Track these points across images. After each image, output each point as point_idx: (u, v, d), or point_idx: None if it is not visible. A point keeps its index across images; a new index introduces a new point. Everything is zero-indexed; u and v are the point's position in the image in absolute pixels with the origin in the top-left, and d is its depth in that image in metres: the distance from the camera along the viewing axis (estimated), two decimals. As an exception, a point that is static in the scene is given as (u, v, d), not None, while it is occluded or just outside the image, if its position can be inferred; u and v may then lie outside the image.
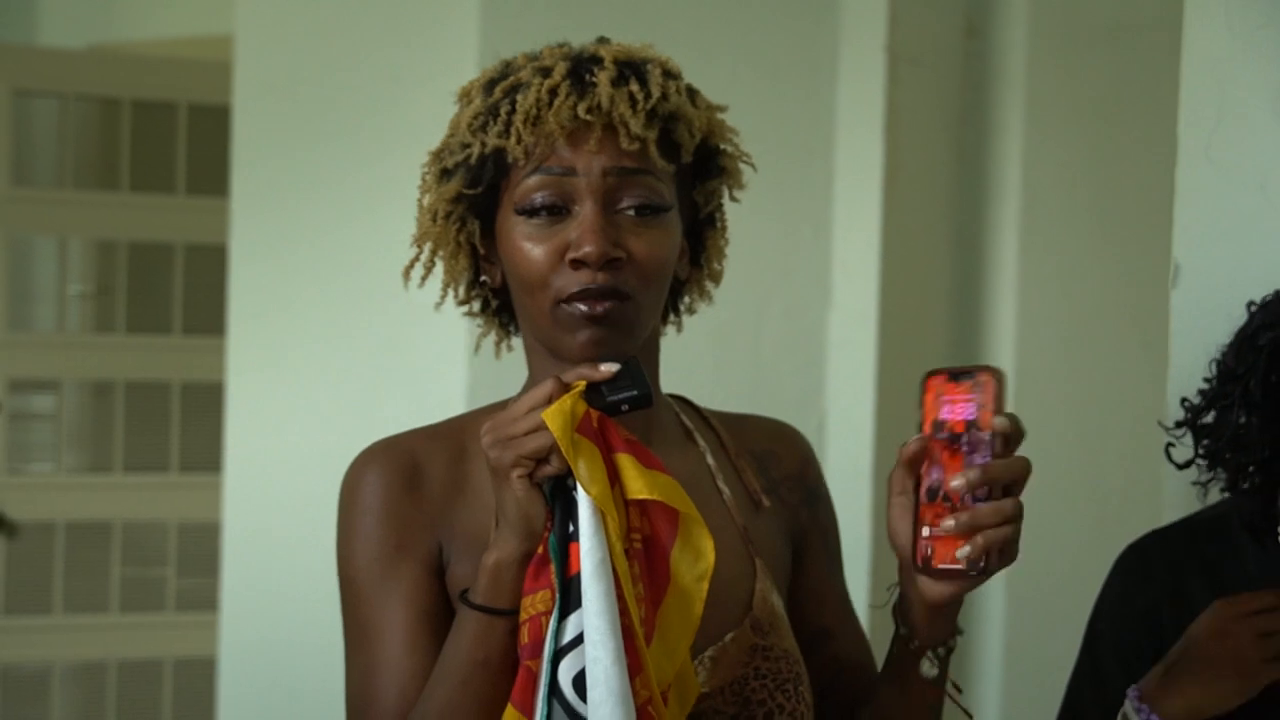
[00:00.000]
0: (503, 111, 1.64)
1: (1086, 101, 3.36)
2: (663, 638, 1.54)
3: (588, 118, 1.62)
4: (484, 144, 1.65)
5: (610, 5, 3.19)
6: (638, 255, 1.63)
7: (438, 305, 1.78)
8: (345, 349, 3.47)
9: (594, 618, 1.50)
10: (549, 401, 1.54)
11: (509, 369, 3.20)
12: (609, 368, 1.56)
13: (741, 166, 1.74)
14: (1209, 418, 1.85)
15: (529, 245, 1.64)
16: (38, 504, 5.00)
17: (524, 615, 1.54)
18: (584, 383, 1.55)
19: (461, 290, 1.76)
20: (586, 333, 1.63)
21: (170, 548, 5.07)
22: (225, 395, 3.71)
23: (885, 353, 3.25)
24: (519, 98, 1.64)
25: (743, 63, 3.20)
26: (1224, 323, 1.92)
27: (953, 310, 3.35)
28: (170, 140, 5.02)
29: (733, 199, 1.73)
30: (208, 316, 4.57)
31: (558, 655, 1.52)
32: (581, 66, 1.66)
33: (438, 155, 1.72)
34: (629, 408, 1.55)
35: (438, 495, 1.69)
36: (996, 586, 3.33)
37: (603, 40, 1.71)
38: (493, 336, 1.80)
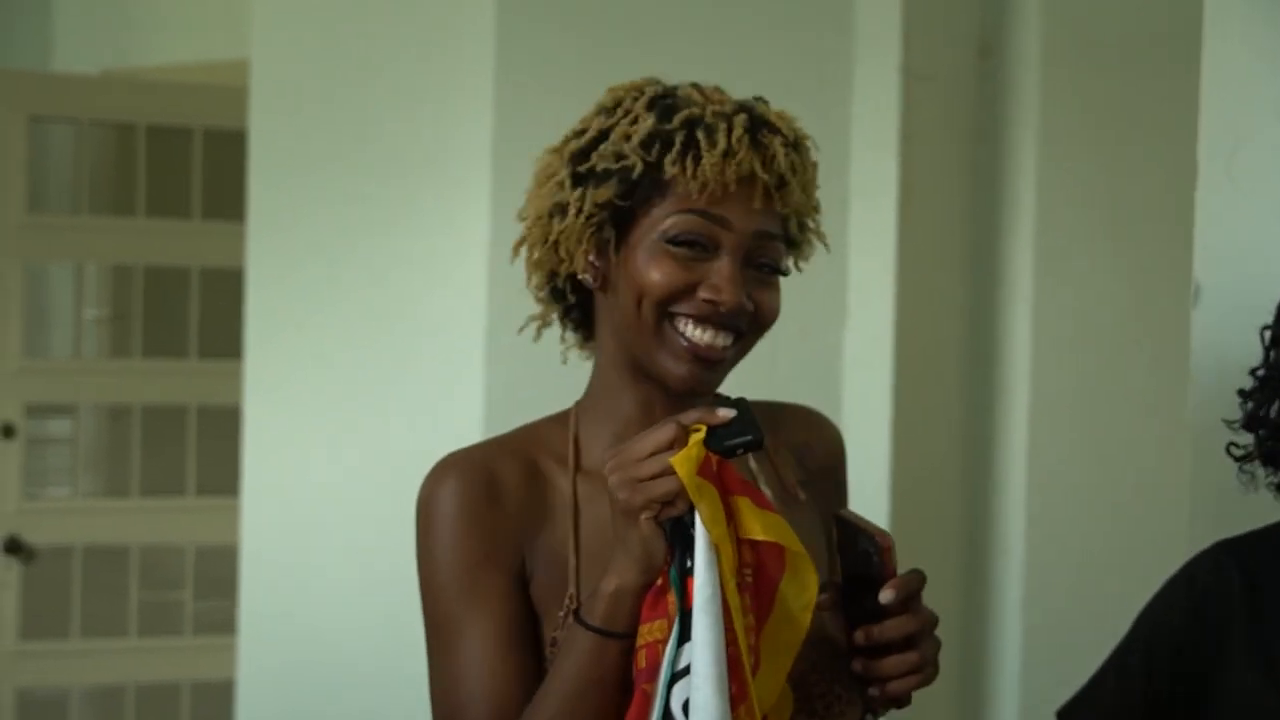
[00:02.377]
0: (678, 141, 1.71)
1: (1101, 119, 3.36)
2: (768, 662, 1.65)
3: (762, 176, 1.71)
4: (648, 164, 1.72)
5: (625, 27, 3.19)
6: (762, 308, 1.73)
7: (529, 285, 1.82)
8: (361, 370, 3.47)
9: (700, 649, 1.60)
10: (671, 444, 1.61)
11: (524, 388, 3.20)
12: (726, 413, 1.62)
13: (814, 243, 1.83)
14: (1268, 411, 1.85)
15: (665, 267, 1.71)
16: (55, 528, 5.01)
17: (642, 641, 1.63)
18: (704, 428, 1.62)
19: (542, 277, 1.81)
20: (689, 367, 1.72)
21: (188, 571, 5.07)
22: (242, 418, 3.72)
23: (901, 372, 3.24)
24: (700, 135, 1.71)
25: (757, 82, 3.19)
26: (1245, 342, 1.92)
27: (968, 329, 3.35)
28: (186, 165, 5.03)
29: (796, 268, 1.80)
30: (224, 340, 4.58)
31: (672, 680, 1.61)
32: (757, 122, 1.73)
33: (580, 154, 1.76)
34: (743, 451, 1.63)
35: (516, 509, 1.75)
36: (1013, 606, 3.32)
37: (760, 99, 1.78)
38: (537, 323, 1.86)
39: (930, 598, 3.23)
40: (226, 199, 4.67)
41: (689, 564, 1.61)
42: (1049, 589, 3.35)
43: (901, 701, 1.68)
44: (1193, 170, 2.13)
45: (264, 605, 3.67)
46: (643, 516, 1.61)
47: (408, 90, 3.37)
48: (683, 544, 1.62)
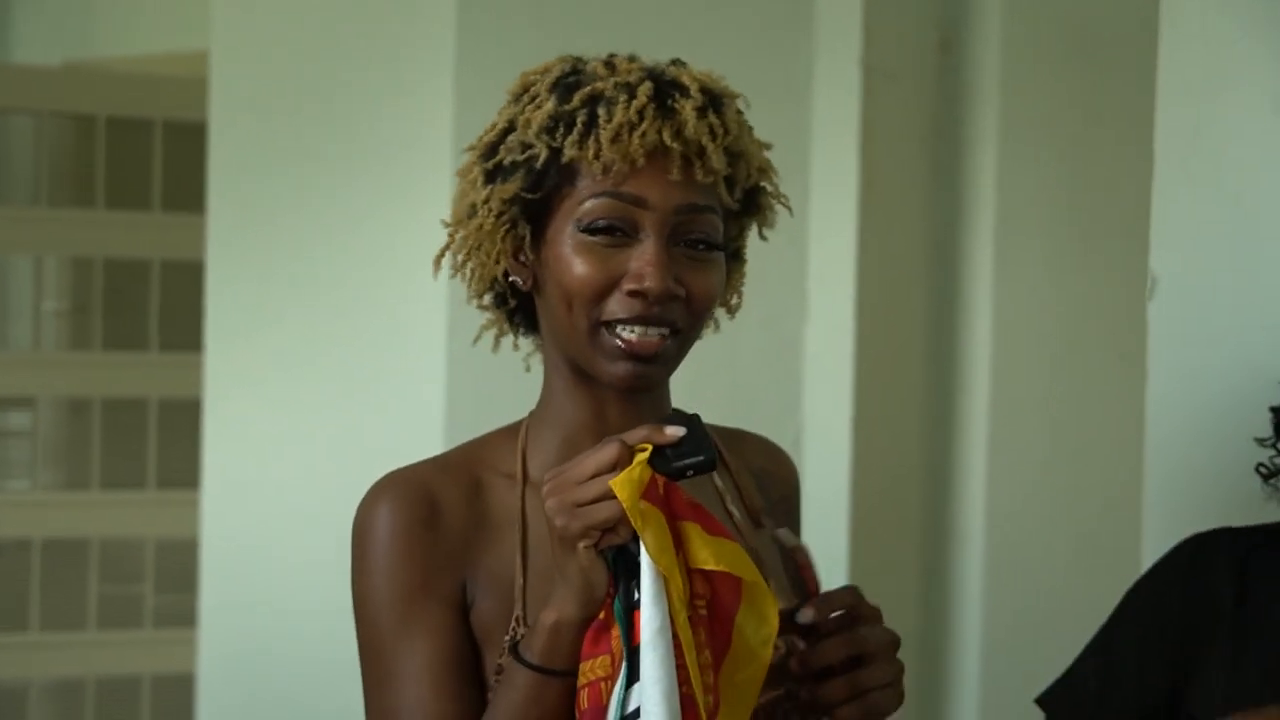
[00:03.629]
0: (579, 121, 1.60)
1: (1061, 114, 3.37)
2: (728, 702, 1.52)
3: (673, 145, 1.59)
4: (553, 150, 1.61)
5: (587, 24, 3.19)
6: (694, 292, 1.61)
7: (470, 298, 1.72)
8: (323, 365, 3.47)
9: (650, 688, 1.48)
10: (614, 465, 1.50)
11: (487, 382, 3.20)
12: (675, 431, 1.51)
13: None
14: None
15: (585, 263, 1.60)
16: (14, 522, 4.99)
17: (584, 680, 1.52)
18: (649, 447, 1.51)
19: (480, 284, 1.70)
20: (625, 365, 1.61)
21: (148, 564, 5.05)
22: (203, 412, 3.71)
23: (862, 365, 3.25)
24: (601, 111, 1.59)
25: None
26: (1201, 335, 1.93)
27: (929, 322, 3.36)
28: (146, 157, 5.01)
29: (761, 237, 1.71)
30: (184, 333, 4.56)
31: None
32: (665, 89, 1.62)
33: (489, 148, 1.66)
34: (693, 474, 1.51)
35: (458, 531, 1.63)
36: (972, 600, 3.33)
37: (678, 62, 1.67)
38: (493, 331, 1.75)
39: (890, 592, 3.24)
40: (187, 191, 4.65)
41: (636, 596, 1.49)
42: (1009, 582, 3.36)
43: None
44: (1151, 165, 2.14)
45: (224, 598, 3.66)
46: (581, 545, 1.50)
47: (368, 83, 3.37)
48: (627, 574, 1.50)
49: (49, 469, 5.11)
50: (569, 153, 1.59)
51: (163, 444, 5.00)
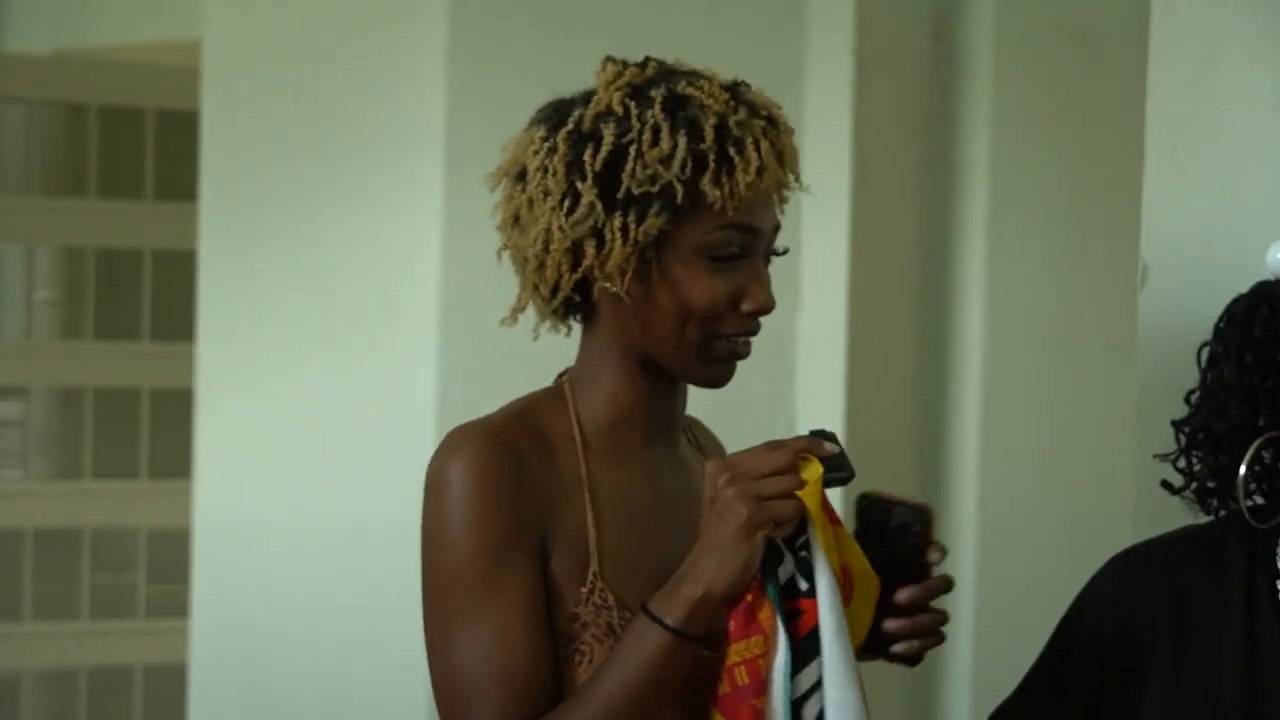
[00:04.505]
0: (711, 161, 1.70)
1: (1054, 104, 3.38)
2: None
3: (785, 180, 1.74)
4: (686, 184, 1.70)
5: (578, 12, 3.19)
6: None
7: (542, 299, 1.76)
8: (315, 354, 3.47)
9: (842, 663, 1.65)
10: (788, 468, 1.64)
11: (478, 371, 3.20)
12: (832, 447, 1.67)
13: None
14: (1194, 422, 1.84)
15: (709, 287, 1.72)
16: (6, 511, 4.99)
17: (738, 657, 1.65)
18: (815, 460, 1.67)
19: (562, 292, 1.77)
20: (726, 368, 1.75)
21: (140, 554, 5.06)
22: (195, 401, 3.71)
23: (855, 354, 3.26)
24: (732, 150, 1.69)
25: (709, 65, 3.21)
26: (1192, 325, 1.93)
27: (921, 312, 3.37)
28: (138, 146, 5.02)
29: None
30: (177, 322, 4.57)
31: (798, 702, 1.65)
32: (763, 118, 1.73)
33: (607, 173, 1.71)
34: (835, 485, 1.69)
35: (538, 484, 1.71)
36: (965, 587, 3.34)
37: (742, 83, 1.77)
38: (545, 321, 1.81)
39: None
40: (179, 180, 4.65)
41: (806, 587, 1.66)
42: (1002, 569, 3.36)
43: (916, 660, 1.76)
44: (1142, 155, 2.15)
45: (217, 588, 3.66)
46: (759, 534, 1.63)
47: (361, 73, 3.37)
48: (774, 562, 1.66)
49: (41, 458, 5.13)
50: (710, 193, 1.69)
51: (155, 434, 5.01)
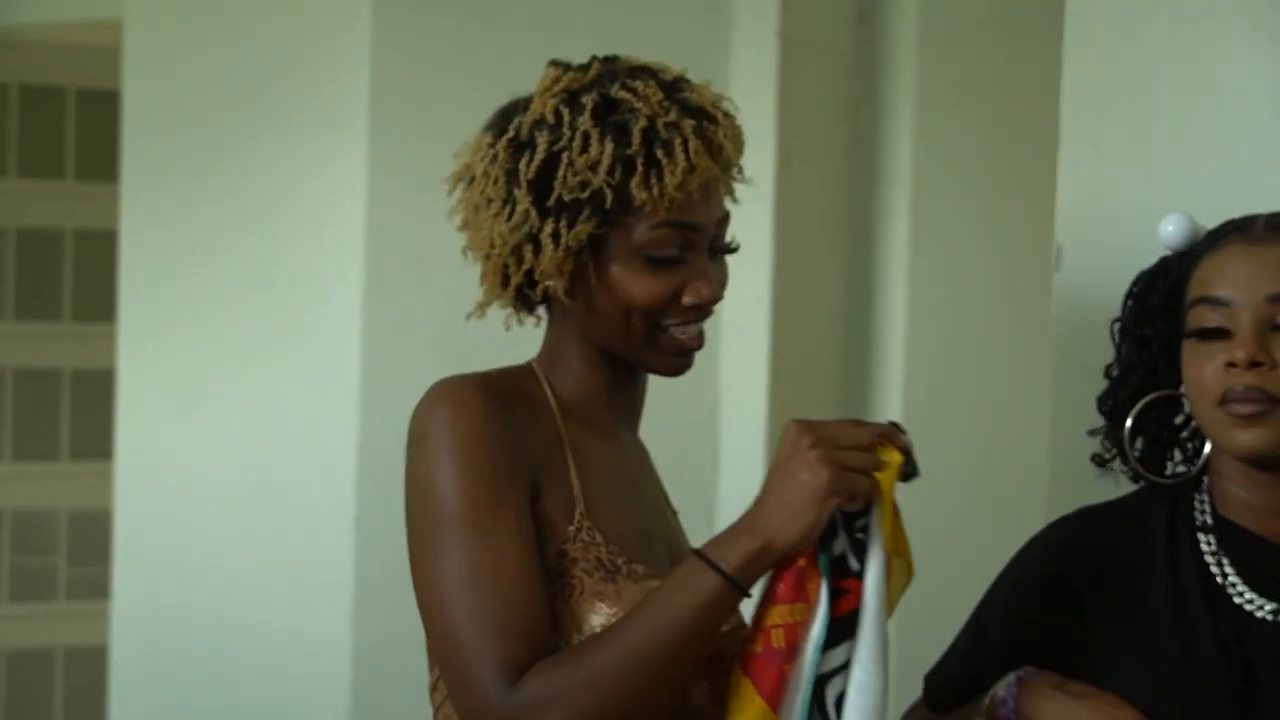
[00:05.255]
0: (639, 164, 1.73)
1: (976, 85, 3.40)
2: None
3: (719, 174, 1.77)
4: (615, 189, 1.73)
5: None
6: (722, 287, 1.82)
7: (492, 296, 1.81)
8: (237, 333, 3.45)
9: (875, 649, 1.69)
10: (870, 445, 1.69)
11: (401, 348, 3.19)
12: (907, 441, 1.73)
13: None
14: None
15: (648, 285, 1.75)
16: (-75, 493, 4.94)
17: (781, 620, 1.67)
18: (892, 448, 1.72)
19: (512, 290, 1.82)
20: (680, 360, 1.80)
21: (61, 536, 5.02)
22: (116, 382, 3.68)
23: (778, 335, 3.27)
24: (660, 153, 1.72)
25: (636, 47, 3.19)
26: (1106, 304, 1.96)
27: (845, 292, 3.39)
28: (59, 125, 4.97)
29: None
30: (98, 303, 4.53)
31: (824, 678, 1.67)
32: (699, 119, 1.75)
33: (540, 181, 1.75)
34: (903, 480, 1.75)
35: (525, 429, 1.74)
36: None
37: (682, 78, 1.79)
38: (505, 310, 1.86)
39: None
40: (100, 160, 4.62)
41: (856, 567, 1.69)
42: (927, 550, 3.38)
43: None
44: (1057, 137, 2.17)
45: (138, 570, 3.64)
46: (833, 499, 1.66)
47: (283, 50, 3.35)
48: (828, 535, 1.68)
49: (-40, 440, 5.07)
50: (638, 196, 1.73)
51: (76, 414, 4.97)
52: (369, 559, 3.09)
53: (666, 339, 1.77)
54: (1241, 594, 1.85)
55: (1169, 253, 1.91)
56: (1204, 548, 1.88)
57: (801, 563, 1.67)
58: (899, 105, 3.37)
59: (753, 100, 3.26)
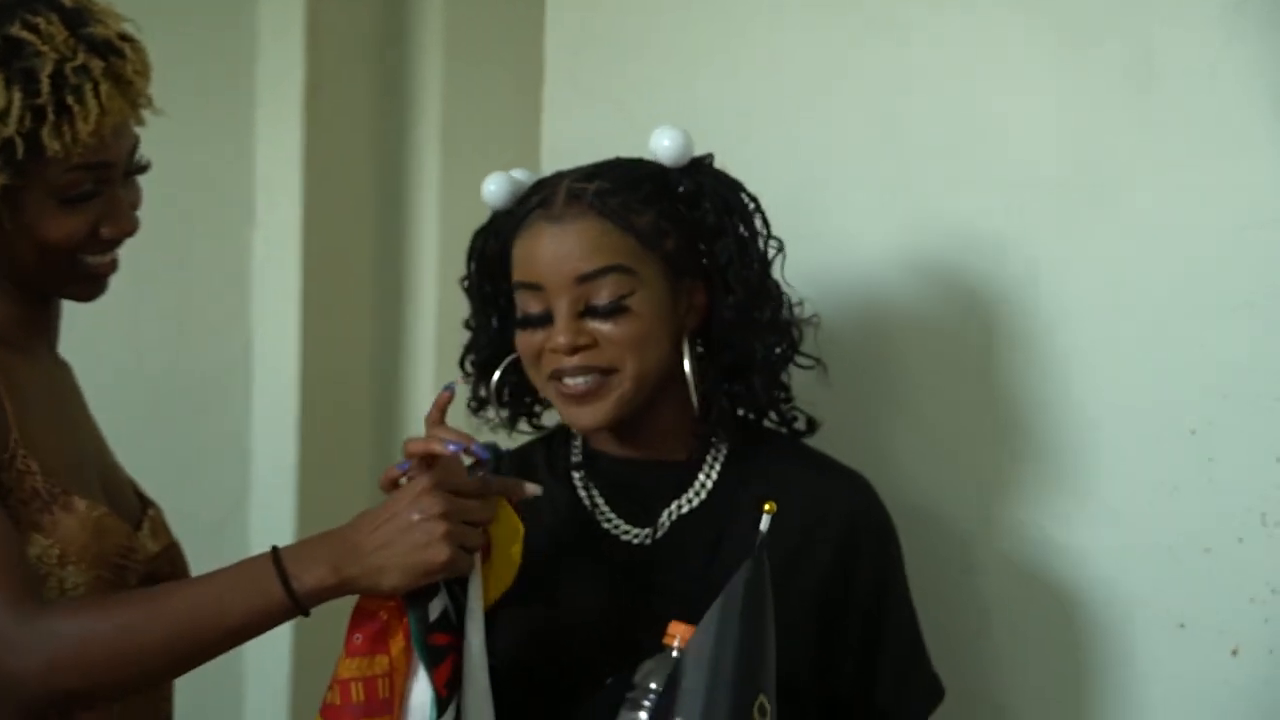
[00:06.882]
0: (50, 113, 1.75)
1: (505, 23, 3.44)
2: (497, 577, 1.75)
3: (131, 111, 1.85)
4: (26, 138, 1.75)
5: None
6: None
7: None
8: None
9: (478, 700, 1.67)
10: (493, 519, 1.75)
11: None
12: (533, 489, 1.83)
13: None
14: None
15: (64, 224, 1.80)
16: None
17: (357, 672, 1.63)
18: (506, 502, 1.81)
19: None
20: (98, 285, 1.91)
21: None
22: None
23: (310, 270, 3.26)
24: (70, 99, 1.75)
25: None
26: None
27: (377, 226, 3.40)
28: None
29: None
30: None
31: None
32: (103, 53, 1.77)
33: None
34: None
35: None
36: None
37: (88, 8, 1.79)
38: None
39: (341, 490, 3.27)
40: None
41: (452, 619, 1.65)
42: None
43: None
44: (541, 79, 2.23)
45: None
46: (441, 575, 1.63)
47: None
48: (423, 595, 1.64)
49: None
50: (50, 145, 1.72)
51: None
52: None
53: (83, 269, 1.81)
54: (610, 520, 2.01)
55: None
56: (576, 483, 2.04)
57: (383, 616, 1.65)
58: (429, 42, 3.38)
59: (281, 31, 3.25)
